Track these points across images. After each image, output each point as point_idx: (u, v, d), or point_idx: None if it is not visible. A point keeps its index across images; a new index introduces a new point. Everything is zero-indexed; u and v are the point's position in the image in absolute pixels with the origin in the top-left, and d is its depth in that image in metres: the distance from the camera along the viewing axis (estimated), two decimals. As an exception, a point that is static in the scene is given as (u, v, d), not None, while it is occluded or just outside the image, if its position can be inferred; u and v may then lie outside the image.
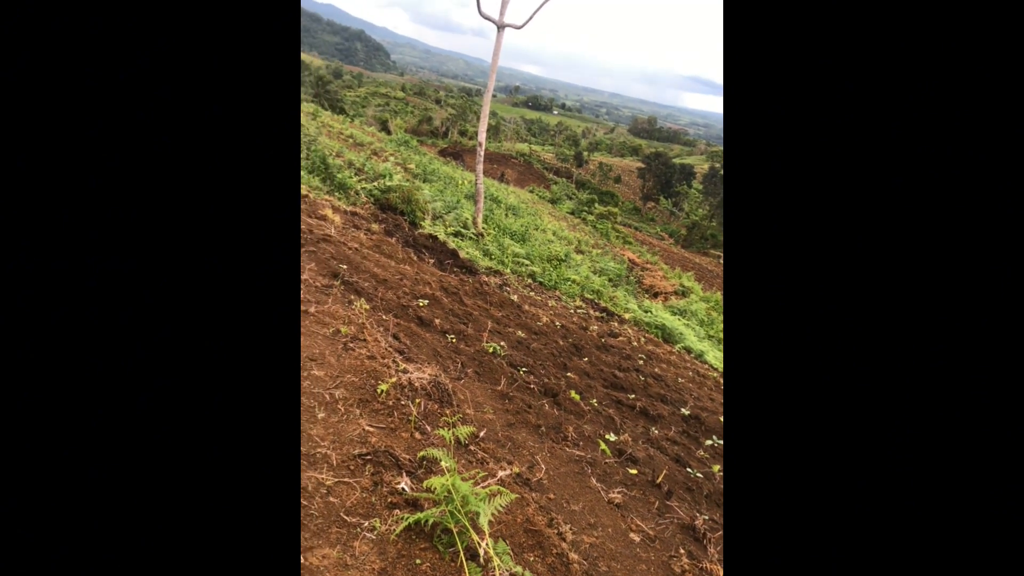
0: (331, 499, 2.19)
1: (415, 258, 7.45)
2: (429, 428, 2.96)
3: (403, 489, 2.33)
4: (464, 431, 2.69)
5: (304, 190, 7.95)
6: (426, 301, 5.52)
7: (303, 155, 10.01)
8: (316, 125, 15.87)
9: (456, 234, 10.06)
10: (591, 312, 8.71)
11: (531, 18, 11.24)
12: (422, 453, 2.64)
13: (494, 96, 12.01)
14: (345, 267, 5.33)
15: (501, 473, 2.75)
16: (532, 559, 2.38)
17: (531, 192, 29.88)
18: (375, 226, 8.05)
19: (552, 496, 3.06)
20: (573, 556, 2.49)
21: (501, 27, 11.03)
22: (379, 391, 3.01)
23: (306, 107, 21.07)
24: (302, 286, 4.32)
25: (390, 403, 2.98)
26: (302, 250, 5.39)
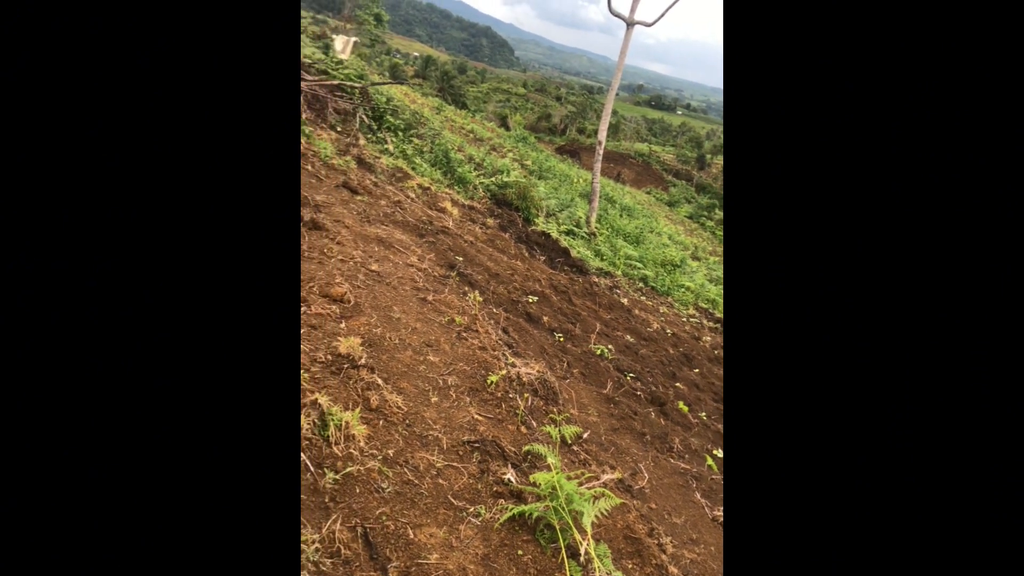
0: (440, 481, 2.29)
1: (527, 254, 7.55)
2: (535, 423, 3.01)
3: (509, 480, 2.39)
4: (569, 430, 2.71)
5: (426, 182, 8.29)
6: (535, 298, 5.59)
7: (427, 148, 10.44)
8: (440, 120, 16.47)
9: (568, 232, 10.07)
10: (704, 322, 8.41)
11: (663, 15, 10.98)
12: (527, 447, 2.69)
13: (616, 94, 11.87)
14: (461, 259, 5.52)
15: (605, 477, 2.75)
16: (631, 566, 2.36)
17: (648, 193, 29.25)
18: (490, 220, 8.24)
19: (654, 506, 3.01)
20: (673, 570, 2.44)
21: (631, 24, 10.87)
22: (489, 382, 3.09)
23: (431, 101, 21.91)
24: (422, 274, 4.53)
25: (499, 395, 3.06)
26: (423, 239, 5.64)
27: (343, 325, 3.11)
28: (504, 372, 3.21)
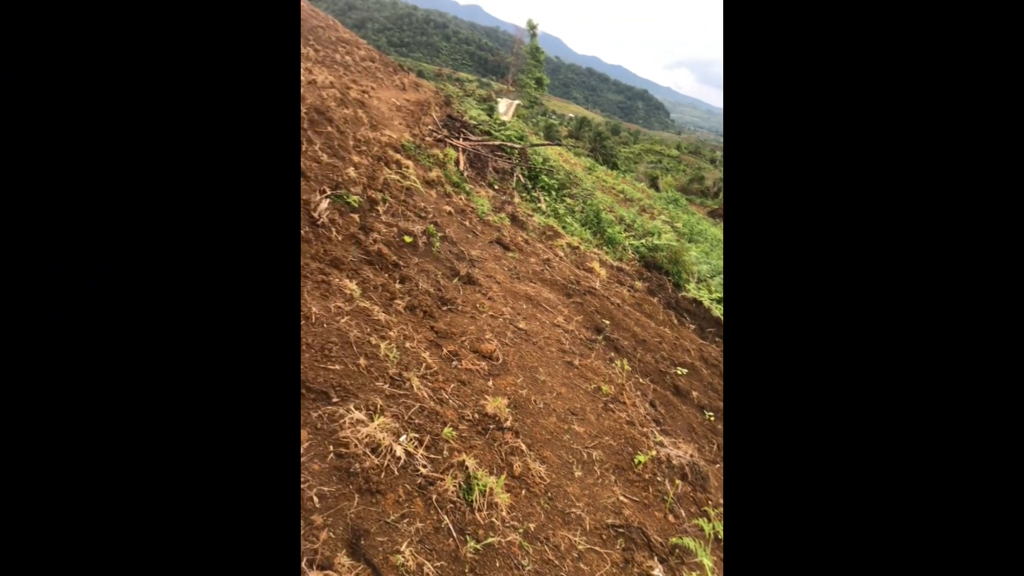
0: (581, 565, 2.15)
1: (675, 321, 7.24)
2: (683, 512, 2.77)
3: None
4: (723, 526, 2.45)
5: (576, 241, 8.36)
6: (685, 370, 5.30)
7: (579, 208, 10.57)
8: (592, 179, 16.70)
9: (721, 301, 9.57)
10: (873, 412, 7.47)
11: (836, 80, 10.38)
12: (675, 539, 2.47)
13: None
14: (607, 322, 5.40)
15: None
16: None
17: (806, 263, 27.22)
18: (639, 283, 8.06)
19: (818, 631, 2.61)
20: None
21: (799, 89, 10.38)
22: (636, 462, 2.92)
23: (583, 161, 22.37)
24: (568, 336, 4.48)
25: (646, 476, 2.87)
26: (570, 299, 5.62)
27: (491, 383, 3.12)
28: (653, 452, 3.02)
